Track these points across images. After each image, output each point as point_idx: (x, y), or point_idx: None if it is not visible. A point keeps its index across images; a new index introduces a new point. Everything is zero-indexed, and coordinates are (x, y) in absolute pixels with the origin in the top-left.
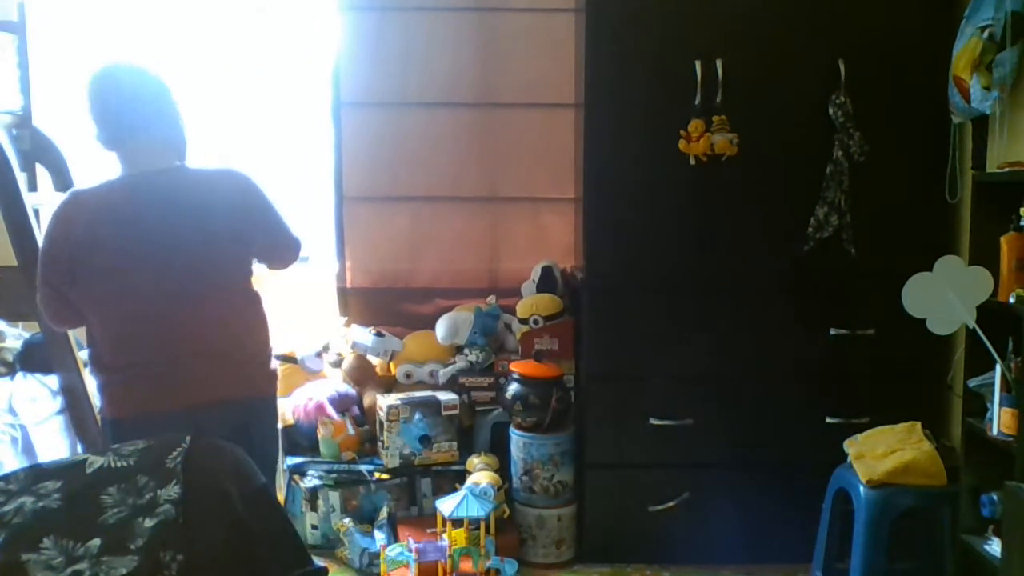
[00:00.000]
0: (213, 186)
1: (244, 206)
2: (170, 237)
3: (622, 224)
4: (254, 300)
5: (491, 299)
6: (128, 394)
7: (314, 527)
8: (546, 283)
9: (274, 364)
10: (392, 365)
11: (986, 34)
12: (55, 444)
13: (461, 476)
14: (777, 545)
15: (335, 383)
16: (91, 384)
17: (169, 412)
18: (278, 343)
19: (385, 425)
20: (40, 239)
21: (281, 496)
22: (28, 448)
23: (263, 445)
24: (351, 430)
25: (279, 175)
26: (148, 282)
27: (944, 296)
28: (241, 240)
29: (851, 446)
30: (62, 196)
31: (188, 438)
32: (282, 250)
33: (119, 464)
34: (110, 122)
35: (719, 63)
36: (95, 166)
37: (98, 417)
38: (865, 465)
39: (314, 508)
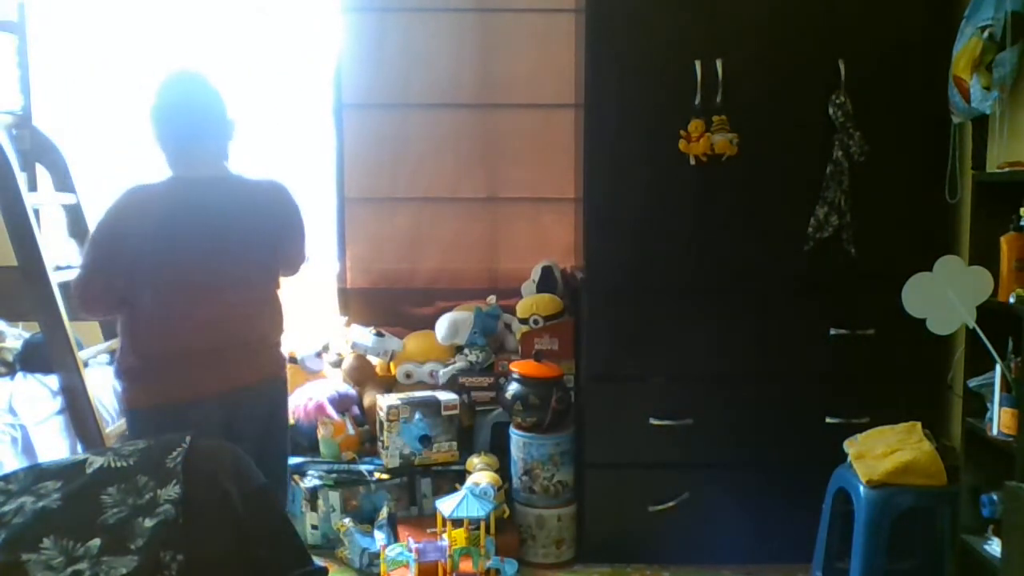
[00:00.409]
0: (261, 195)
1: (284, 217)
2: (223, 239)
3: (622, 224)
4: (277, 298)
5: (491, 299)
6: (173, 380)
7: (314, 527)
8: (546, 283)
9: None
10: (392, 365)
11: (986, 34)
12: (55, 444)
13: (461, 476)
14: (777, 545)
15: (335, 383)
16: (109, 376)
17: (212, 396)
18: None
19: (385, 425)
20: (92, 231)
21: None
22: (28, 448)
23: (283, 426)
24: (351, 430)
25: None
26: (203, 277)
27: (944, 296)
28: (276, 247)
29: (851, 446)
30: (63, 196)
31: (188, 438)
32: (297, 263)
33: (119, 464)
34: (178, 128)
35: (719, 63)
36: (95, 166)
37: (111, 409)
38: (865, 465)
39: (314, 508)
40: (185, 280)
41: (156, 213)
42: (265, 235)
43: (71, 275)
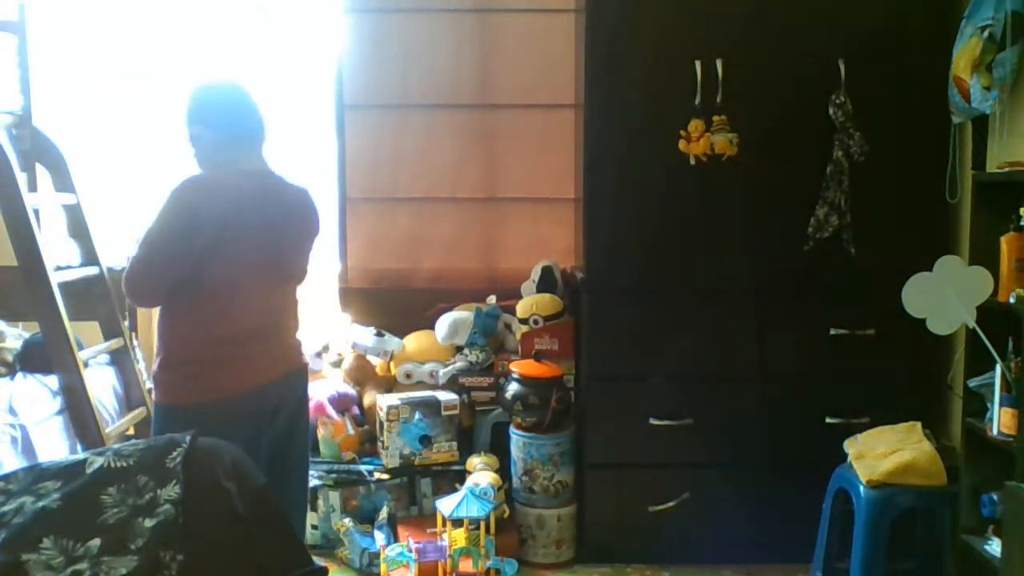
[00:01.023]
0: (301, 196)
1: (316, 221)
2: (281, 230)
3: (622, 224)
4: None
5: (491, 299)
6: (234, 371)
7: (314, 527)
8: (546, 283)
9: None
10: (392, 365)
11: (986, 34)
12: (55, 444)
13: (461, 476)
14: (777, 545)
15: (335, 383)
16: (109, 376)
17: (265, 385)
18: None
19: (385, 425)
20: (158, 219)
21: None
22: (28, 448)
23: (307, 411)
24: (351, 430)
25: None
26: (265, 266)
27: (944, 296)
28: (308, 247)
29: (851, 446)
30: (63, 196)
31: (188, 438)
32: (307, 269)
33: (119, 464)
34: (240, 119)
35: (719, 63)
36: (95, 166)
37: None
38: (865, 465)
39: (314, 508)
40: (250, 269)
41: (226, 201)
42: (305, 234)
43: (71, 275)
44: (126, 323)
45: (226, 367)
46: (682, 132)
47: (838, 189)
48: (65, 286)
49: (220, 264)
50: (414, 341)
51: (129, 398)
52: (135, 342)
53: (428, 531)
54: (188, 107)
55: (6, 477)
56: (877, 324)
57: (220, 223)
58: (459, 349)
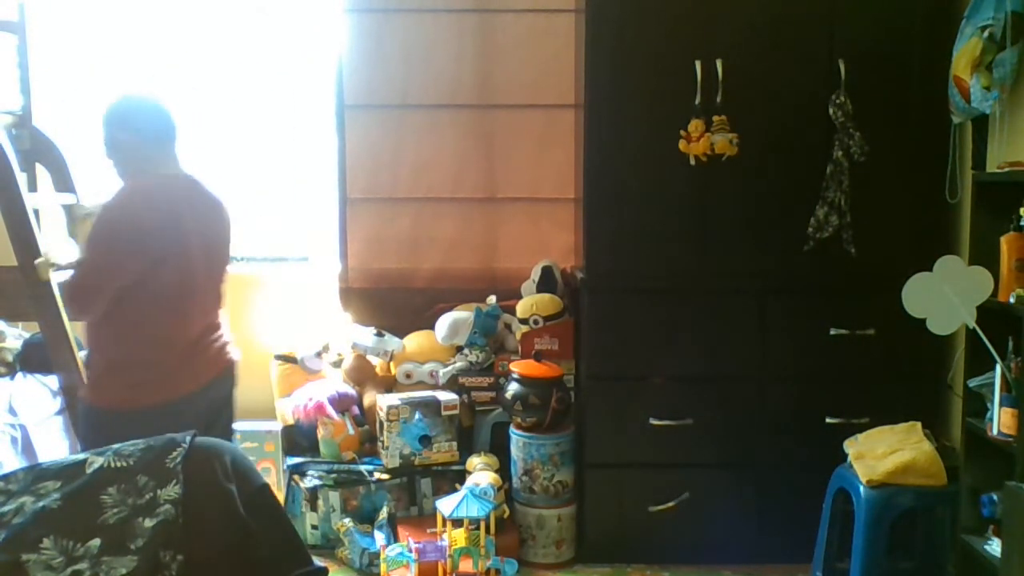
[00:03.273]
0: (218, 196)
1: (230, 219)
2: (212, 232)
3: (622, 224)
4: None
5: (491, 299)
6: (176, 375)
7: (314, 527)
8: (546, 283)
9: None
10: (392, 365)
11: (986, 34)
12: (55, 444)
13: (461, 476)
14: (777, 545)
15: (335, 383)
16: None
17: (204, 386)
18: (279, 343)
19: (385, 425)
20: (101, 230)
21: (281, 496)
22: (28, 448)
23: (234, 405)
24: (351, 430)
25: (283, 176)
26: (201, 268)
27: (944, 296)
28: (230, 245)
29: (851, 446)
30: (63, 196)
31: (188, 438)
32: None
33: (119, 464)
34: (160, 126)
35: (719, 63)
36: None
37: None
38: (865, 465)
39: (314, 508)
40: (193, 273)
41: (163, 207)
42: (228, 232)
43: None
44: None
45: (173, 371)
46: (682, 132)
47: (838, 189)
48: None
49: (166, 272)
50: (414, 341)
51: None
52: None
53: (428, 531)
54: (112, 116)
55: (6, 477)
56: (877, 324)
57: (163, 231)
58: (459, 349)
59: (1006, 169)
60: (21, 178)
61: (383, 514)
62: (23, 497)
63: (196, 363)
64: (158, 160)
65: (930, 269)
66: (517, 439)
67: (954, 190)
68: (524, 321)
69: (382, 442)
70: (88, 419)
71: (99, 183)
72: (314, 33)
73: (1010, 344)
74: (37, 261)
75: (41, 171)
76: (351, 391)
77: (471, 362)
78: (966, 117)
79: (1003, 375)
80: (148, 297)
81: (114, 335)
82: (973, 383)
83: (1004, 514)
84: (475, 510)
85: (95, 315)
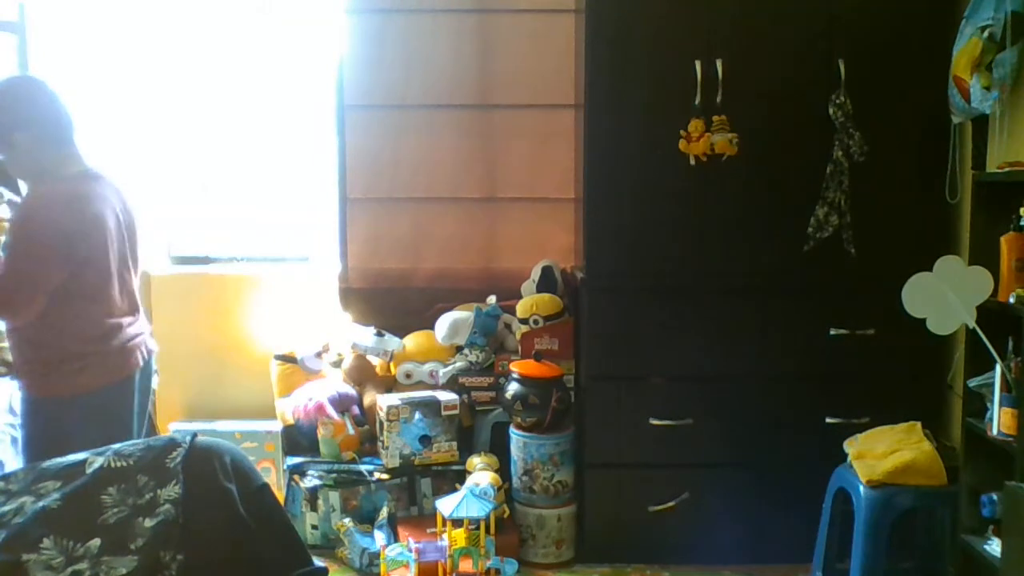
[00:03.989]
0: (127, 193)
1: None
2: (128, 225)
3: (622, 224)
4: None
5: (491, 299)
6: (110, 362)
7: (314, 527)
8: (546, 283)
9: None
10: (392, 365)
11: (986, 34)
12: None
13: (461, 476)
14: (777, 545)
15: (335, 383)
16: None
17: (126, 378)
18: (279, 343)
19: (385, 425)
20: (26, 232)
21: (281, 496)
22: None
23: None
24: (351, 430)
25: (283, 176)
26: (123, 263)
27: (944, 296)
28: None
29: (851, 446)
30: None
31: (189, 438)
32: None
33: (119, 464)
34: (64, 122)
35: (719, 63)
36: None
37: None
38: (865, 465)
39: (314, 508)
40: (115, 268)
41: (85, 210)
42: (137, 223)
43: None
44: None
45: (110, 357)
46: (682, 132)
47: (838, 189)
48: None
49: (92, 271)
50: (414, 341)
51: None
52: None
53: (428, 531)
54: (8, 112)
55: (6, 477)
56: (877, 324)
57: (86, 234)
58: (459, 349)
59: (1006, 169)
60: None
61: (383, 514)
62: (23, 497)
63: (127, 349)
64: (60, 157)
65: (930, 269)
66: (517, 439)
67: (954, 190)
68: (524, 321)
69: (382, 442)
70: (33, 409)
71: None
72: (314, 33)
73: (1010, 344)
74: None
75: None
76: (351, 391)
77: (471, 362)
78: (966, 117)
79: (1003, 375)
80: (80, 293)
81: (50, 332)
82: (973, 383)
83: (1004, 514)
84: (475, 510)
85: (30, 317)
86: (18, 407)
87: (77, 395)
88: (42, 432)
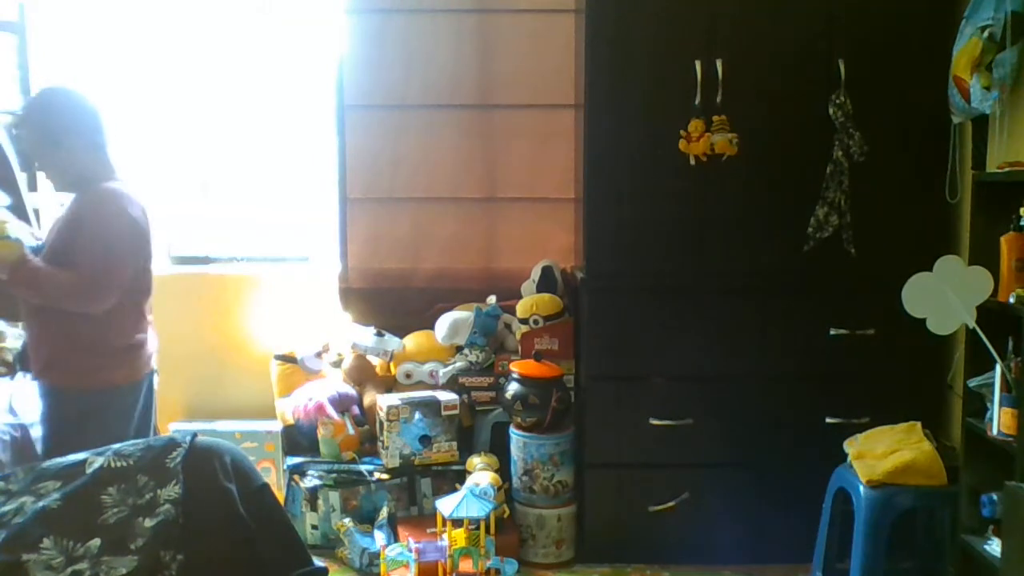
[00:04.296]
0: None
1: None
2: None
3: (622, 224)
4: None
5: (491, 299)
6: (141, 359)
7: (314, 527)
8: (546, 283)
9: None
10: (392, 365)
11: (986, 34)
12: None
13: (461, 476)
14: (777, 545)
15: (335, 383)
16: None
17: (149, 373)
18: (279, 343)
19: (385, 425)
20: (111, 226)
21: (281, 496)
22: (28, 448)
23: None
24: (351, 430)
25: (283, 176)
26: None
27: (944, 296)
28: None
29: (851, 446)
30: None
31: (189, 438)
32: None
33: (119, 464)
34: (101, 131)
35: (719, 63)
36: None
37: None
38: (865, 465)
39: (314, 508)
40: (151, 267)
41: (138, 208)
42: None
43: None
44: None
45: (143, 352)
46: (682, 132)
47: (838, 189)
48: None
49: (146, 270)
50: (414, 341)
51: None
52: None
53: (428, 531)
54: (72, 114)
55: (6, 477)
56: (877, 324)
57: (146, 233)
58: (459, 349)
59: (1006, 169)
60: (21, 178)
61: (383, 514)
62: (23, 497)
63: (148, 348)
64: (103, 165)
65: (930, 269)
66: (517, 439)
67: (954, 190)
68: (524, 321)
69: (382, 442)
70: (58, 401)
71: None
72: (314, 33)
73: (1010, 344)
74: None
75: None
76: (351, 391)
77: (471, 362)
78: (966, 117)
79: (1003, 375)
80: (136, 288)
81: (101, 325)
82: (973, 383)
83: (1004, 514)
84: (475, 510)
85: (101, 310)
86: (18, 407)
87: (119, 385)
88: (71, 424)
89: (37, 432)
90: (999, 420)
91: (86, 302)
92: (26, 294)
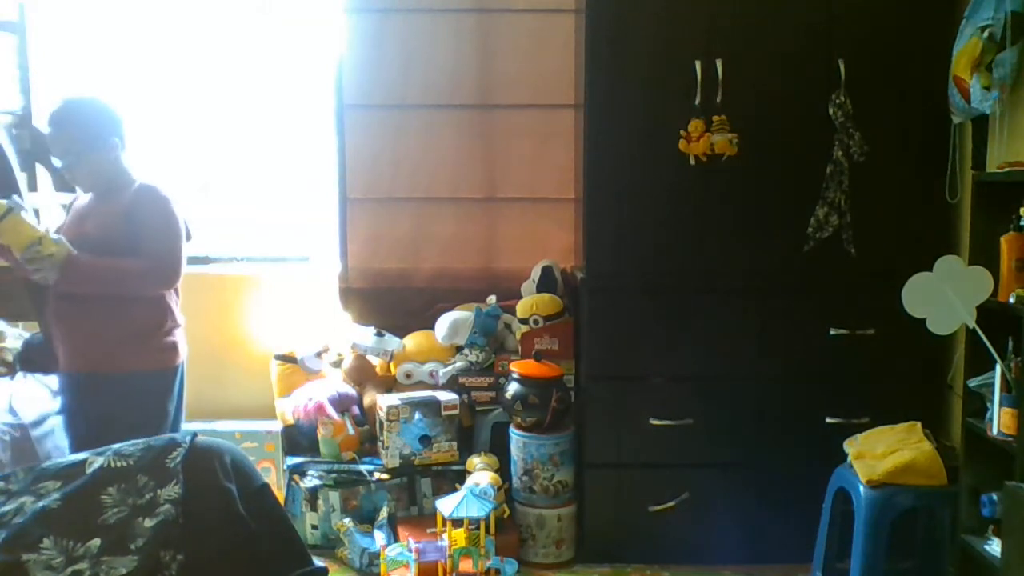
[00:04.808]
0: None
1: None
2: None
3: (622, 224)
4: None
5: (491, 299)
6: (182, 342)
7: (314, 527)
8: (546, 283)
9: None
10: (392, 365)
11: (986, 34)
12: (55, 444)
13: (461, 476)
14: (777, 545)
15: (335, 383)
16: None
17: (184, 359)
18: (279, 343)
19: (385, 425)
20: (171, 217)
21: (281, 496)
22: (28, 448)
23: None
24: (351, 430)
25: (283, 176)
26: None
27: (944, 296)
28: None
29: (851, 446)
30: (63, 196)
31: (189, 438)
32: None
33: (119, 464)
34: (125, 137)
35: (719, 63)
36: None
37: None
38: (865, 465)
39: (314, 508)
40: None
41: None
42: None
43: None
44: None
45: (179, 339)
46: (682, 132)
47: (838, 189)
48: None
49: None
50: (414, 341)
51: None
52: None
53: (428, 531)
54: (105, 120)
55: (6, 477)
56: (877, 324)
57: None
58: (459, 349)
59: (1006, 169)
60: (21, 178)
61: (383, 514)
62: (23, 497)
63: (184, 335)
64: (127, 170)
65: (930, 269)
66: (517, 439)
67: (954, 190)
68: (524, 321)
69: (382, 442)
70: (101, 386)
71: None
72: (314, 33)
73: (1010, 344)
74: None
75: (41, 171)
76: (351, 391)
77: (471, 362)
78: (966, 117)
79: (1003, 375)
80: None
81: (158, 307)
82: (973, 383)
83: (1004, 514)
84: (475, 510)
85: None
86: (18, 407)
87: (168, 367)
88: (114, 408)
89: (37, 432)
90: (999, 420)
91: (158, 283)
92: (84, 288)
